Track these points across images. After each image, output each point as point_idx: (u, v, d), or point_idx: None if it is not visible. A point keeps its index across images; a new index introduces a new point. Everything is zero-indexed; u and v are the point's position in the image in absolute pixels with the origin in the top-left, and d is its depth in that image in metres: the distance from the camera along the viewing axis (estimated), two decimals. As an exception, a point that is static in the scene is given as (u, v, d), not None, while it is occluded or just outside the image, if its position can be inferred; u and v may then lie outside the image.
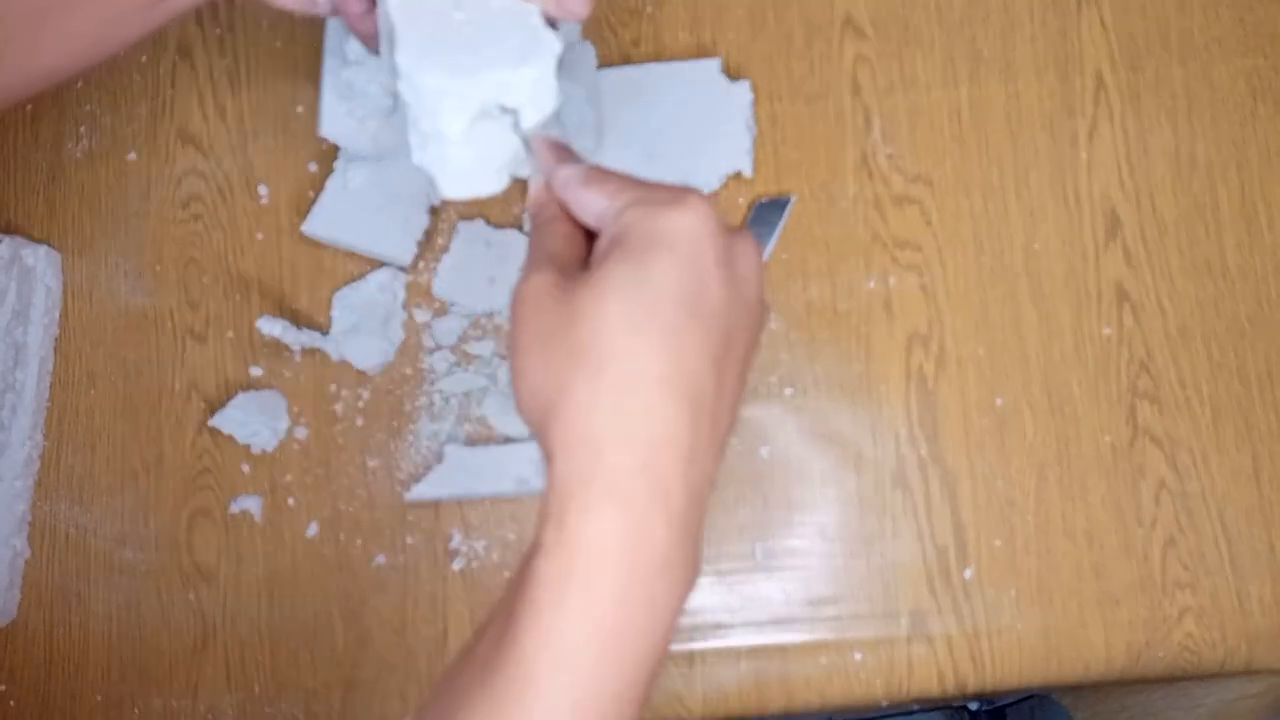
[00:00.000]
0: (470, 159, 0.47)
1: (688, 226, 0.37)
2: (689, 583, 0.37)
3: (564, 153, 0.44)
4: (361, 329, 0.66)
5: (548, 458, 0.36)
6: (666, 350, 0.35)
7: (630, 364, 0.35)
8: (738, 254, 0.38)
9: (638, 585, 0.35)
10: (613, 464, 0.35)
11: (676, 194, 0.38)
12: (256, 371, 0.67)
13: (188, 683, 0.65)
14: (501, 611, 0.37)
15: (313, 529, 0.65)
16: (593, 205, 0.40)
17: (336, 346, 0.65)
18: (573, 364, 0.36)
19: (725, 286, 0.37)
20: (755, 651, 0.64)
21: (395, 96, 0.49)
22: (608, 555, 0.35)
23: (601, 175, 0.41)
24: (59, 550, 0.66)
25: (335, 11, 0.55)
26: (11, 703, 0.65)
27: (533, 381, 0.37)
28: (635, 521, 0.35)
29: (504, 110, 0.46)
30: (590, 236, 0.41)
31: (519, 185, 0.67)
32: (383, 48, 0.52)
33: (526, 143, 0.47)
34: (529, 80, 0.46)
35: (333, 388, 0.67)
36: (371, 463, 0.66)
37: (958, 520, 0.64)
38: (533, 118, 0.47)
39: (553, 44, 0.47)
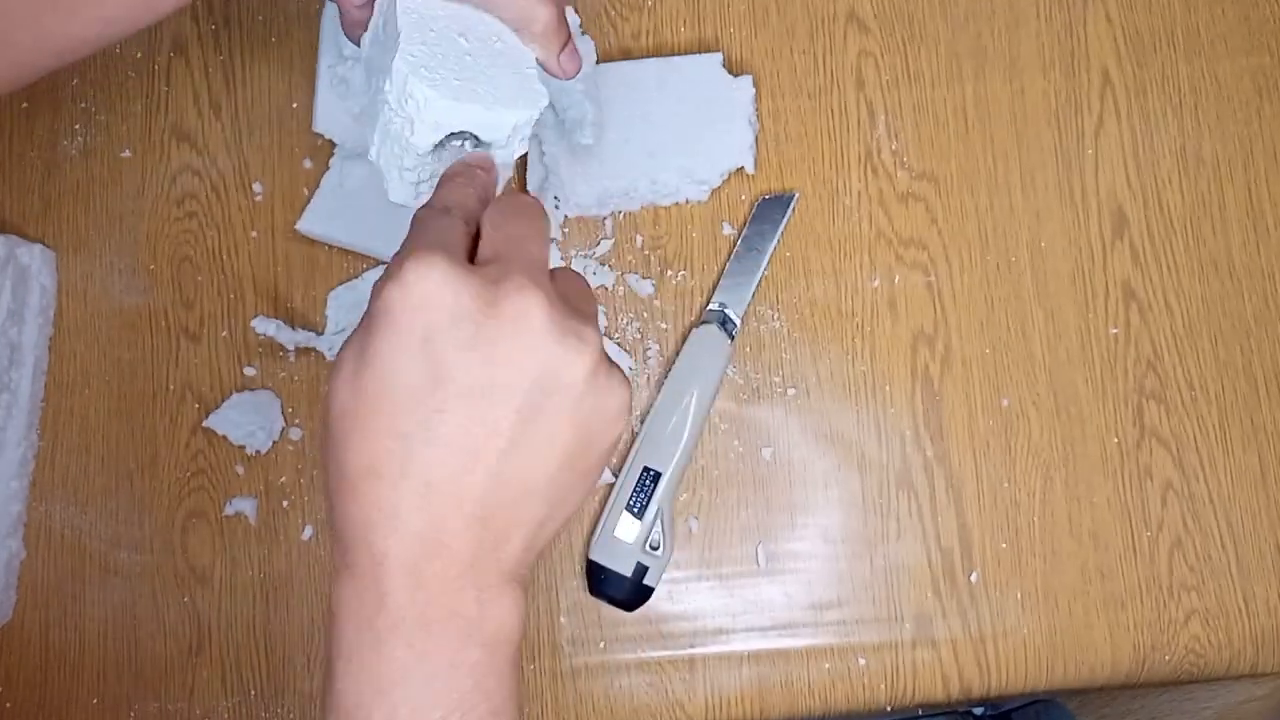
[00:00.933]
0: (427, 173, 0.48)
1: (405, 301, 0.35)
2: (486, 635, 0.38)
3: (470, 178, 0.44)
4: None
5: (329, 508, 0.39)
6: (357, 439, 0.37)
7: (335, 454, 0.37)
8: (493, 332, 0.36)
9: (396, 645, 0.36)
10: (352, 551, 0.37)
11: (401, 258, 0.36)
12: (251, 371, 0.67)
13: (183, 686, 0.64)
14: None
15: (307, 532, 0.65)
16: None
17: (331, 346, 0.65)
18: (350, 416, 0.37)
19: (466, 370, 0.36)
20: (757, 656, 0.63)
21: (374, 91, 0.49)
22: (360, 614, 0.37)
23: (526, 206, 0.41)
24: (54, 551, 0.66)
25: None
26: (8, 705, 0.64)
27: (339, 409, 0.38)
28: (378, 589, 0.37)
29: (477, 142, 0.48)
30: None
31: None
32: (366, 42, 0.52)
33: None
34: (510, 124, 0.48)
35: (327, 388, 0.66)
36: (368, 464, 0.65)
37: (963, 522, 0.64)
38: (502, 158, 0.48)
39: (541, 98, 0.49)
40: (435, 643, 0.37)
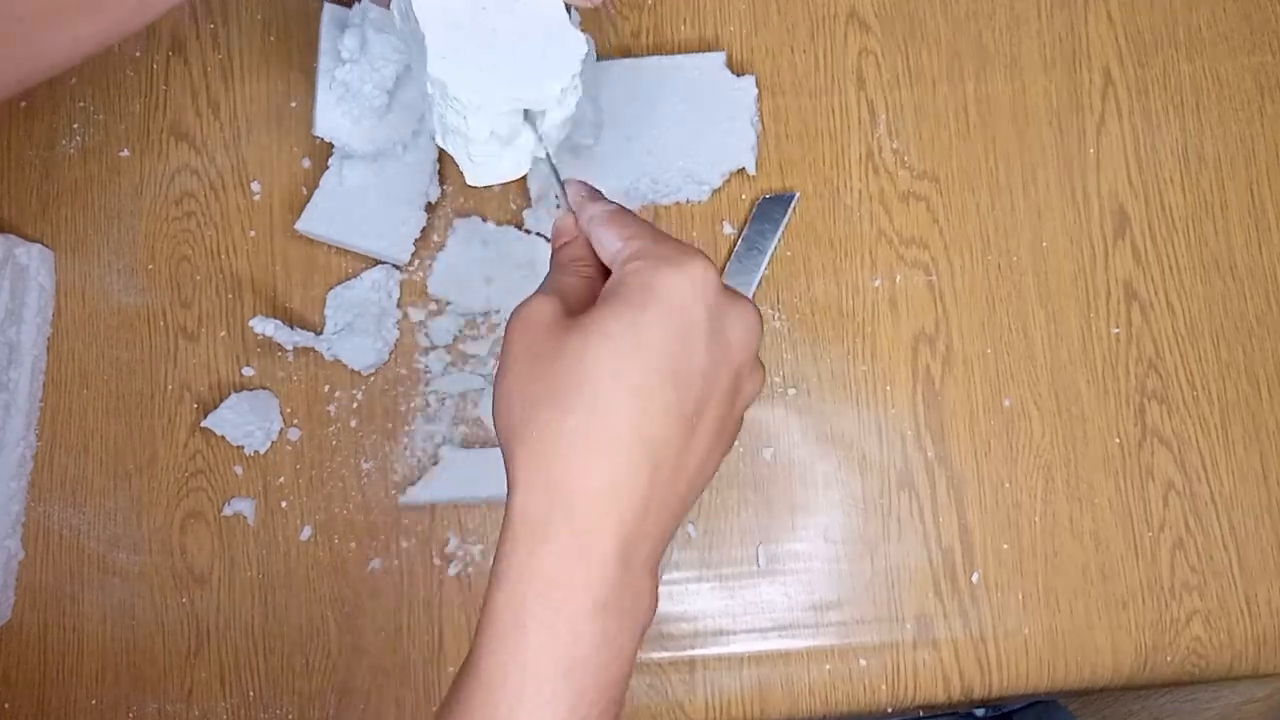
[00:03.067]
0: (492, 152, 0.48)
1: (683, 288, 0.38)
2: (645, 620, 0.39)
3: (593, 192, 0.45)
4: (355, 328, 0.65)
5: (509, 483, 0.38)
6: (634, 408, 0.37)
7: (596, 416, 0.37)
8: (730, 320, 0.39)
9: (592, 621, 0.37)
10: (568, 506, 0.37)
11: (680, 252, 0.39)
12: (249, 371, 0.66)
13: (182, 687, 0.64)
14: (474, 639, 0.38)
15: (306, 532, 0.65)
16: (609, 244, 0.41)
17: (330, 346, 0.65)
18: (545, 399, 0.37)
19: (709, 352, 0.38)
20: (758, 658, 0.63)
21: (416, 73, 0.50)
22: (561, 591, 0.37)
23: (621, 217, 0.42)
24: (53, 552, 0.66)
25: None
26: (6, 705, 0.64)
27: (506, 403, 0.39)
28: (588, 561, 0.37)
29: (529, 114, 0.48)
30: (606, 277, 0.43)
31: (518, 181, 0.67)
32: (396, 16, 0.52)
33: (545, 138, 0.49)
34: (557, 88, 0.47)
35: (326, 388, 0.66)
36: (365, 465, 0.65)
37: (964, 523, 0.63)
38: (556, 118, 0.48)
39: (579, 45, 0.48)
40: (621, 625, 0.38)
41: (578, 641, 0.37)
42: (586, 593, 0.37)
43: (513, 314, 0.40)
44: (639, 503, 0.37)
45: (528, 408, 0.38)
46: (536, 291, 0.41)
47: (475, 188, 0.58)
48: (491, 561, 0.63)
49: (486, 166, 0.49)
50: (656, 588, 0.39)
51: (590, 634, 0.37)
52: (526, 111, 0.48)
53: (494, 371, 0.64)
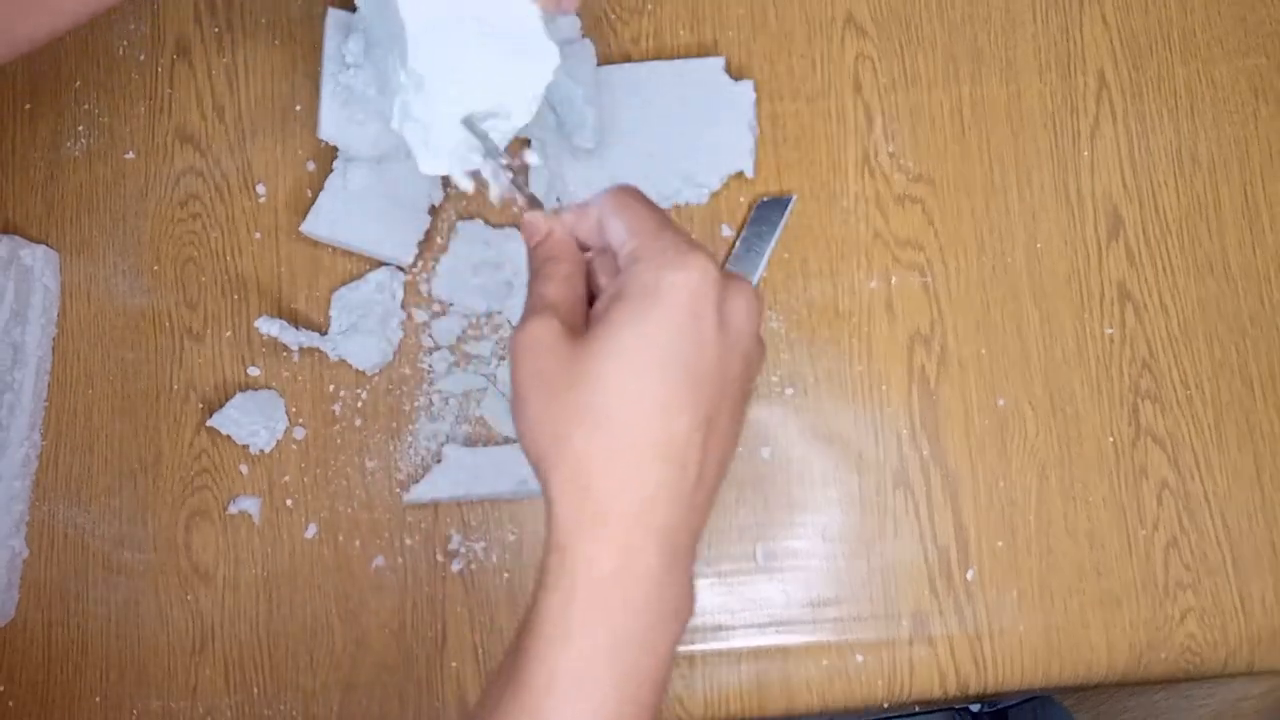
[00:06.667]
0: (451, 144, 0.49)
1: (687, 288, 0.39)
2: (683, 619, 0.40)
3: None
4: (360, 329, 0.65)
5: (546, 500, 0.39)
6: (660, 417, 0.38)
7: (624, 429, 0.38)
8: (733, 307, 0.40)
9: (633, 620, 0.38)
10: (606, 514, 0.38)
11: (680, 250, 0.39)
12: (254, 371, 0.67)
13: (186, 684, 0.64)
14: (513, 646, 0.40)
15: (311, 530, 0.65)
16: (615, 235, 0.42)
17: (334, 346, 0.65)
18: (573, 420, 0.38)
19: (720, 344, 0.39)
20: (756, 653, 0.63)
21: (379, 59, 0.51)
22: (605, 593, 0.38)
23: (625, 205, 0.42)
24: (57, 550, 0.66)
25: None
26: (10, 703, 0.65)
27: (533, 430, 0.40)
28: (629, 564, 0.38)
29: (495, 115, 0.49)
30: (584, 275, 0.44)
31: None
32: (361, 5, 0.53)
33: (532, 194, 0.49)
34: (530, 94, 0.49)
35: (331, 388, 0.67)
36: (370, 463, 0.66)
37: (959, 521, 0.64)
38: (519, 120, 0.50)
39: (553, 56, 0.49)
40: (662, 618, 0.39)
41: (620, 641, 0.38)
42: (627, 593, 0.38)
43: (513, 340, 0.41)
44: (673, 507, 0.38)
45: (555, 433, 0.39)
46: (529, 313, 0.41)
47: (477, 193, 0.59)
48: (495, 558, 0.64)
49: (441, 157, 0.50)
50: (693, 584, 0.40)
51: (632, 634, 0.38)
52: (478, 113, 0.49)
53: (503, 381, 0.65)
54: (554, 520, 0.39)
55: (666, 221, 0.42)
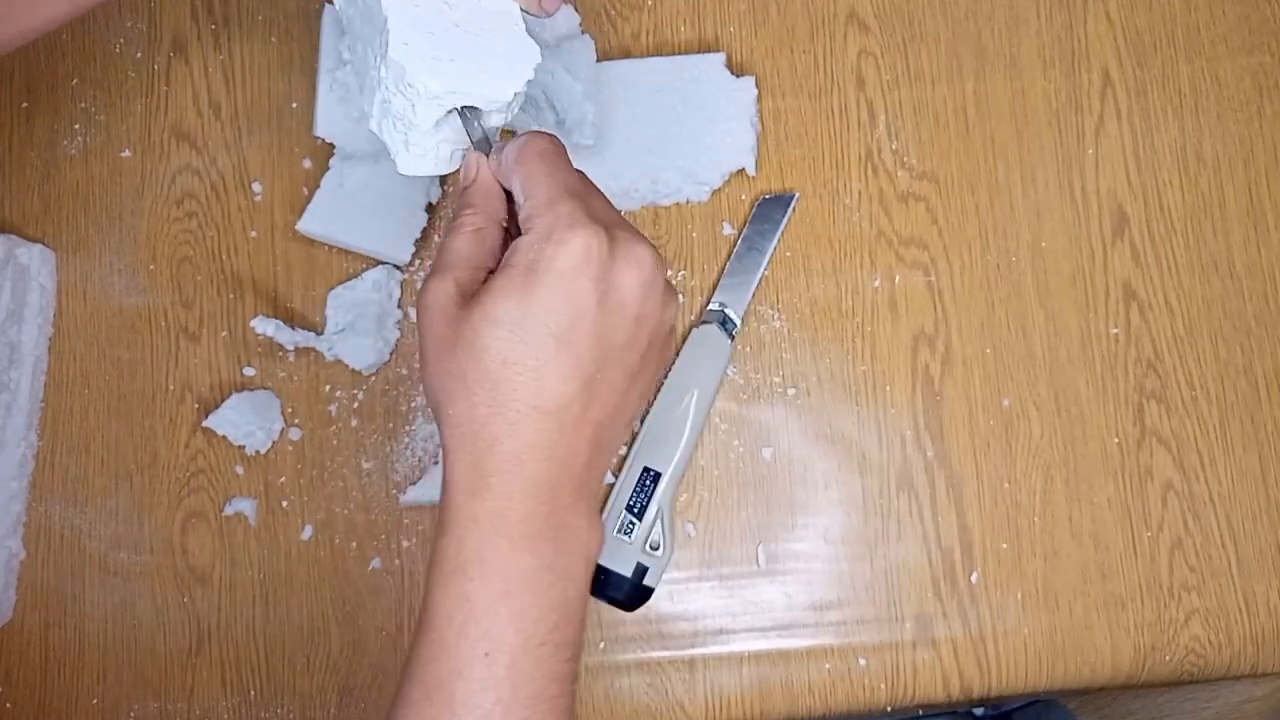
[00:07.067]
0: (430, 145, 0.50)
1: (569, 265, 0.42)
2: (588, 548, 0.45)
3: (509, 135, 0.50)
4: (356, 328, 0.65)
5: (443, 453, 0.44)
6: (534, 382, 0.42)
7: (501, 392, 0.42)
8: (620, 280, 0.43)
9: (522, 551, 0.43)
10: (485, 467, 0.42)
11: (565, 227, 0.42)
12: (250, 372, 0.67)
13: (183, 686, 0.64)
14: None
15: (307, 532, 0.65)
16: (516, 195, 0.45)
17: (331, 346, 0.65)
18: (455, 382, 0.43)
19: (601, 315, 0.42)
20: (758, 657, 0.63)
21: (359, 56, 0.50)
22: (491, 533, 0.42)
23: (528, 163, 0.45)
24: (54, 552, 0.66)
25: None
26: (8, 705, 0.64)
27: (428, 387, 0.44)
28: (507, 511, 0.43)
29: (477, 111, 0.49)
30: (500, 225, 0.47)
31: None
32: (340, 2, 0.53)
33: (484, 135, 0.49)
34: (511, 91, 0.49)
35: (327, 388, 0.66)
36: (366, 464, 0.65)
37: (963, 523, 0.64)
38: (497, 120, 0.50)
39: (534, 54, 0.50)
40: (557, 553, 0.43)
41: (511, 569, 0.42)
42: (511, 531, 0.42)
43: (418, 299, 0.44)
44: (548, 462, 0.43)
45: (444, 390, 0.43)
46: (432, 271, 0.45)
47: None
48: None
49: (420, 157, 0.51)
50: (595, 519, 0.45)
51: (523, 562, 0.42)
52: (463, 110, 0.49)
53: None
54: (446, 471, 0.43)
55: (564, 188, 0.44)
